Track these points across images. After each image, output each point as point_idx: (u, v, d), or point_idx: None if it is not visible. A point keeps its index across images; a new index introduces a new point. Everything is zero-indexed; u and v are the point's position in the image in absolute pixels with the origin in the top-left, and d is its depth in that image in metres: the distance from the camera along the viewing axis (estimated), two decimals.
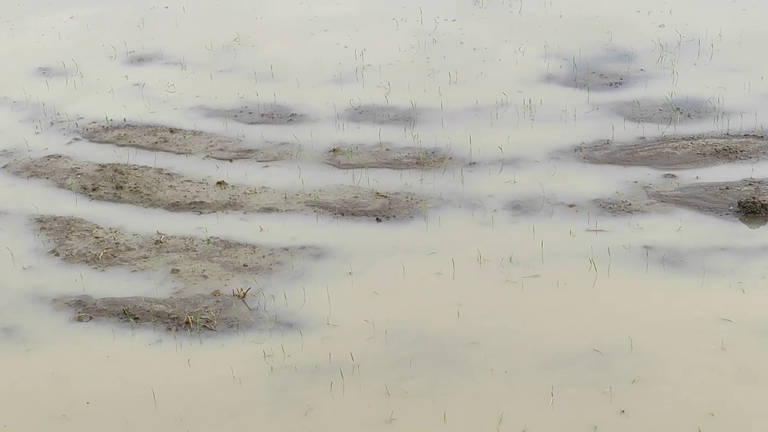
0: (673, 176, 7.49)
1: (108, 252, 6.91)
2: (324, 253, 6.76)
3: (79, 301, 6.38)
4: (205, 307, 6.22)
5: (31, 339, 6.06)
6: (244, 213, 7.36)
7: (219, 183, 7.82)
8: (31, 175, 8.20)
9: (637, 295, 6.10)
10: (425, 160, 7.97)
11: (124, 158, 8.40)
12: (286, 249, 6.83)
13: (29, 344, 6.02)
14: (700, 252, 6.46)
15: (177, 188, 7.80)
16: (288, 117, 9.08)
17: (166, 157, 8.38)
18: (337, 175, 7.85)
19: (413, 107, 9.00)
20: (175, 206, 7.52)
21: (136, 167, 8.19)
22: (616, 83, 9.35)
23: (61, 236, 7.16)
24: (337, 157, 8.16)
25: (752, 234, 6.70)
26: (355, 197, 7.48)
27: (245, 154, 8.37)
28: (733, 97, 8.76)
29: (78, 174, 8.15)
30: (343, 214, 7.24)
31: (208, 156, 8.37)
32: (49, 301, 6.42)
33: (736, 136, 8.09)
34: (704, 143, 7.97)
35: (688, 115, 8.52)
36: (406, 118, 8.82)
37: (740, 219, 6.85)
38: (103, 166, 8.25)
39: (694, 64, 9.65)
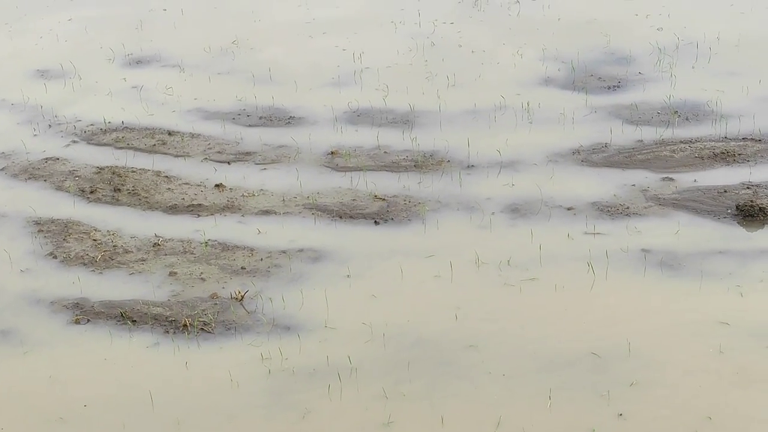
0: (671, 179, 7.49)
1: (106, 254, 6.91)
2: (322, 256, 6.76)
3: (77, 303, 6.38)
4: (203, 310, 6.22)
5: (28, 342, 6.06)
6: (242, 216, 7.36)
7: (217, 185, 7.82)
8: (29, 178, 8.20)
9: (635, 299, 6.10)
10: (423, 163, 7.97)
11: (122, 161, 8.40)
12: (284, 252, 6.82)
13: (27, 347, 6.02)
14: (698, 255, 6.46)
15: (175, 191, 7.80)
16: (286, 120, 9.08)
17: (164, 160, 8.38)
18: (335, 178, 7.85)
19: (411, 110, 9.00)
20: (173, 209, 7.52)
21: (134, 170, 8.19)
22: (614, 86, 9.36)
23: (58, 239, 7.16)
24: (335, 160, 8.16)
25: (750, 237, 6.70)
26: (353, 200, 7.48)
27: (243, 156, 8.36)
28: (731, 101, 8.76)
29: (76, 176, 8.14)
30: (341, 217, 7.24)
31: (206, 158, 8.37)
32: (46, 303, 6.41)
33: (734, 139, 8.09)
34: (702, 146, 7.97)
35: (686, 119, 8.53)
36: (404, 121, 8.82)
37: (738, 222, 6.85)
38: (101, 168, 8.24)
39: (692, 68, 9.66)
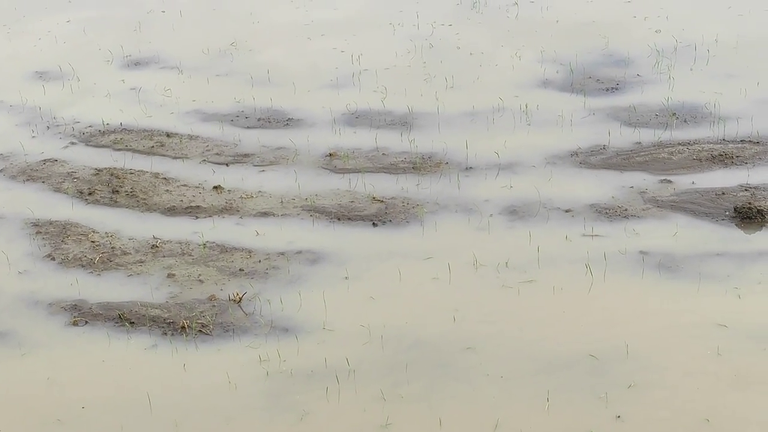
0: (669, 181, 7.49)
1: (104, 256, 6.91)
2: (320, 257, 6.76)
3: (75, 305, 6.38)
4: (201, 312, 6.22)
5: (26, 343, 6.05)
6: (240, 217, 7.36)
7: (215, 187, 7.82)
8: (27, 179, 8.19)
9: (633, 301, 6.10)
10: (421, 165, 7.98)
11: (121, 162, 8.39)
12: (282, 253, 6.82)
13: (24, 349, 6.01)
14: (696, 257, 6.47)
15: (173, 192, 7.79)
16: (284, 121, 9.08)
17: (163, 162, 8.38)
18: (334, 180, 7.85)
19: (410, 112, 9.00)
20: (171, 210, 7.52)
21: (133, 171, 8.18)
22: (612, 88, 9.36)
23: (56, 240, 7.16)
24: (333, 162, 8.16)
25: (748, 239, 6.70)
26: (352, 202, 7.48)
27: (241, 158, 8.36)
28: (730, 103, 8.77)
29: (74, 178, 8.14)
30: (339, 219, 7.24)
31: (204, 160, 8.37)
32: (44, 305, 6.41)
33: (732, 141, 8.10)
34: (700, 149, 7.98)
35: (685, 121, 8.53)
36: (403, 122, 8.82)
37: (736, 224, 6.86)
38: (99, 170, 8.24)
39: (691, 70, 9.66)
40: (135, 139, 8.86)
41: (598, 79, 9.60)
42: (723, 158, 7.80)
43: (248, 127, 8.98)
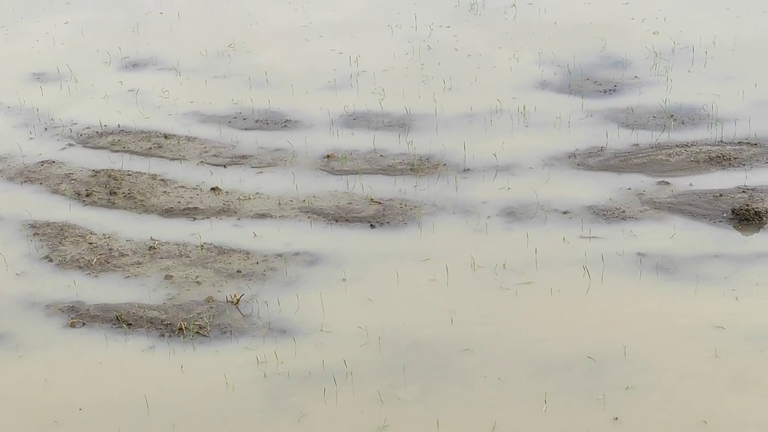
0: (667, 183, 7.50)
1: (101, 258, 6.90)
2: (318, 259, 6.75)
3: (72, 307, 6.37)
4: (199, 314, 6.21)
5: (23, 345, 6.05)
6: (238, 219, 7.36)
7: (213, 189, 7.81)
8: (25, 181, 8.19)
9: (631, 302, 6.11)
10: (419, 167, 7.98)
11: (118, 164, 8.39)
12: (279, 255, 6.82)
13: (22, 350, 6.01)
14: (694, 259, 6.47)
15: (171, 194, 7.79)
16: (282, 123, 9.08)
17: (160, 163, 8.37)
18: (331, 182, 7.85)
19: (407, 113, 9.00)
20: (168, 212, 7.52)
21: (130, 173, 8.18)
22: (610, 90, 9.37)
23: (54, 242, 7.15)
24: (331, 164, 8.16)
25: (745, 241, 6.71)
26: (349, 203, 7.48)
27: (239, 160, 8.36)
28: (727, 105, 8.77)
29: (72, 179, 8.14)
30: (336, 221, 7.24)
31: (202, 162, 8.36)
32: (42, 306, 6.40)
33: (730, 143, 8.10)
34: (698, 150, 7.98)
35: (682, 122, 8.54)
36: (401, 124, 8.83)
37: (734, 226, 6.86)
38: (96, 171, 8.24)
39: (688, 72, 9.67)
40: (133, 140, 8.85)
41: (595, 81, 9.61)
42: (720, 160, 7.80)
43: (246, 129, 8.98)
